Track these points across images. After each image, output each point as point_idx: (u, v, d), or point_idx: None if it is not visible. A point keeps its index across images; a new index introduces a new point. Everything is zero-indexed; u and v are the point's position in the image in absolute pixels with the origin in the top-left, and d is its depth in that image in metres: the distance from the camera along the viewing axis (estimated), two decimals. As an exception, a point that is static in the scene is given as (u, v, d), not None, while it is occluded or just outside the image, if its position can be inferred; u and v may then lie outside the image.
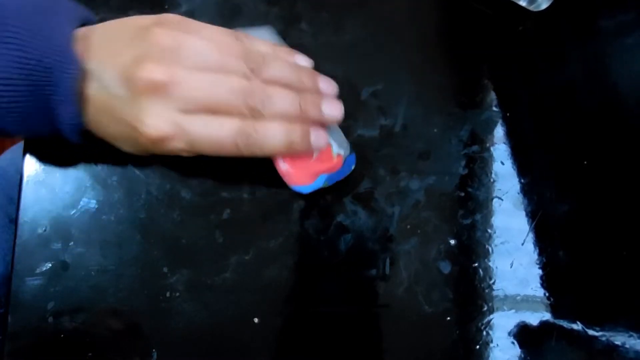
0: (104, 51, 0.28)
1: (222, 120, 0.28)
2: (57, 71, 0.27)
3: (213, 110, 0.28)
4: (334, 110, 0.31)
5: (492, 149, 0.35)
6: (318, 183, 0.32)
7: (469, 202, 0.34)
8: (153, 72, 0.26)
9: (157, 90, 0.27)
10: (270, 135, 0.29)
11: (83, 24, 0.30)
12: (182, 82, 0.27)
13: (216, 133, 0.28)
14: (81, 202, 0.33)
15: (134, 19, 0.29)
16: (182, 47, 0.27)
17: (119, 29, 0.29)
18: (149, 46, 0.27)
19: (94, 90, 0.28)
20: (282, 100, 0.29)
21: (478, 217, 0.34)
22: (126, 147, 0.30)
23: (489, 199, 0.34)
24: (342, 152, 0.32)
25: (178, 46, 0.27)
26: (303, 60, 0.32)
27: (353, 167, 0.34)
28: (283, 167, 0.32)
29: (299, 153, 0.31)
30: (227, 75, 0.28)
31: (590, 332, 0.32)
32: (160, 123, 0.27)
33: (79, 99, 0.28)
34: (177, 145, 0.28)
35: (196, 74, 0.28)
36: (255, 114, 0.28)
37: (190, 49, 0.28)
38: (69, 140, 0.30)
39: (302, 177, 0.32)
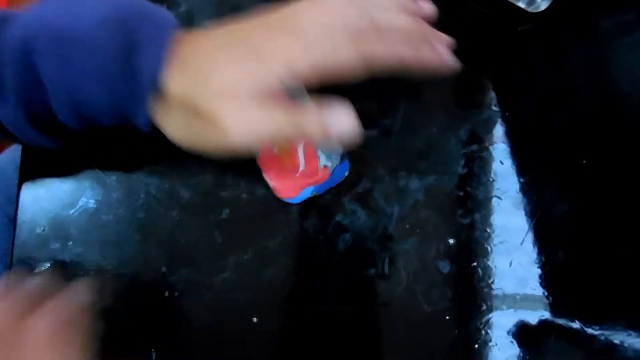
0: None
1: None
2: (151, 21, 0.25)
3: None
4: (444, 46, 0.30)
5: (491, 148, 0.35)
6: (305, 194, 0.33)
7: (468, 202, 0.34)
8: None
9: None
10: (394, 40, 0.28)
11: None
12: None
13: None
14: (80, 202, 0.33)
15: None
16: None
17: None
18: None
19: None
20: (400, 22, 0.28)
21: (477, 216, 0.34)
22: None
23: (488, 199, 0.34)
24: (329, 164, 0.32)
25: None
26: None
27: (346, 174, 0.34)
28: (270, 182, 0.32)
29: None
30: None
31: (589, 330, 0.32)
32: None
33: (169, 55, 0.25)
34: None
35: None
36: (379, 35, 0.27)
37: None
38: (138, 121, 0.27)
39: (287, 190, 0.32)
